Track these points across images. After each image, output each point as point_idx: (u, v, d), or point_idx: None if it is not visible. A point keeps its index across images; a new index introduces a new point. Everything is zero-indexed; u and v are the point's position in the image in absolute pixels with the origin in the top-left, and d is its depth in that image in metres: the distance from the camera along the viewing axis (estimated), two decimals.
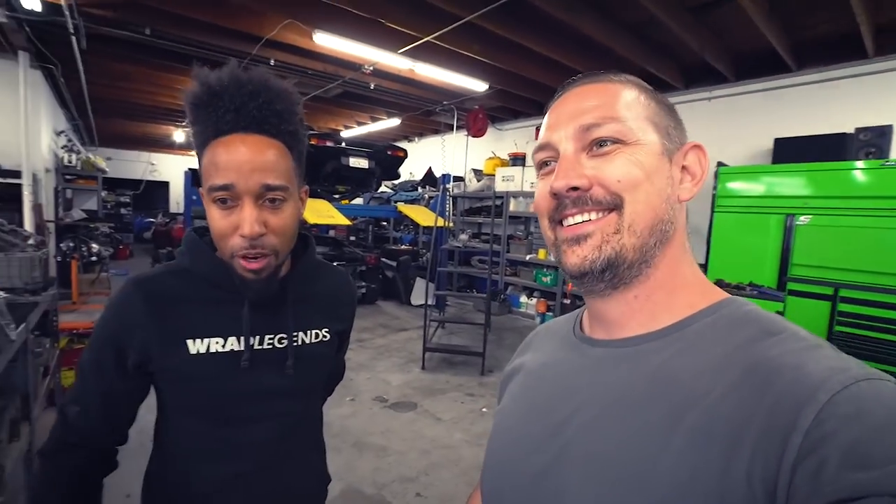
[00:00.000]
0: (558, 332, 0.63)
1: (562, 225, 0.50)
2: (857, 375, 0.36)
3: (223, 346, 0.75)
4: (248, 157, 0.68)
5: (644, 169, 0.47)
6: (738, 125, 4.96)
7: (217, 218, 0.69)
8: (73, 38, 4.33)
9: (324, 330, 0.86)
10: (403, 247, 8.08)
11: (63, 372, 2.83)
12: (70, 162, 7.01)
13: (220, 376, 0.75)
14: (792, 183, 4.00)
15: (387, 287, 6.94)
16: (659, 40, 4.34)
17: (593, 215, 0.47)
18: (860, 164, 3.65)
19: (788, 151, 4.27)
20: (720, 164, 4.49)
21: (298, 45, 4.59)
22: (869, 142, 3.91)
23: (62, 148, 7.01)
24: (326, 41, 4.10)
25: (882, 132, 3.86)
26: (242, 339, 0.76)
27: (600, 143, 0.47)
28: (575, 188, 0.47)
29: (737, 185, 4.30)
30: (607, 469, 0.43)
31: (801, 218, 3.91)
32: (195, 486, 0.77)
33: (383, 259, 6.99)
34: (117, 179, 12.85)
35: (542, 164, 0.53)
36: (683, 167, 0.51)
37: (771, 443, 0.35)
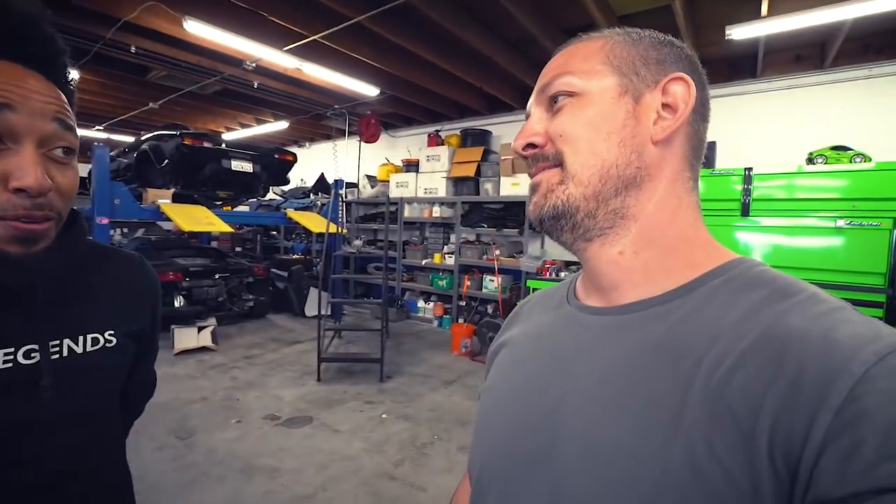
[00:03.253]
0: (550, 301, 0.59)
1: None
2: (891, 343, 0.32)
3: None
4: (37, 87, 0.51)
5: (588, 118, 0.45)
6: None
7: None
8: None
9: (107, 333, 0.65)
10: (295, 256, 7.68)
11: None
12: None
13: None
14: None
15: (278, 299, 6.51)
16: (537, 57, 4.73)
17: (545, 170, 0.48)
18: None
19: None
20: None
21: (166, 31, 4.11)
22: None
23: None
24: (200, 30, 3.74)
25: (710, 146, 4.62)
26: None
27: (554, 99, 0.48)
28: (532, 145, 0.48)
29: None
30: (611, 451, 0.39)
31: None
32: None
33: (273, 269, 6.56)
34: None
35: None
36: (665, 105, 0.46)
37: (795, 418, 0.31)
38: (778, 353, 0.34)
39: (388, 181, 6.73)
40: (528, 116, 0.52)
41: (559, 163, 0.46)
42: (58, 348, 0.60)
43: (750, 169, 3.61)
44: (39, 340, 0.58)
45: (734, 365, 0.36)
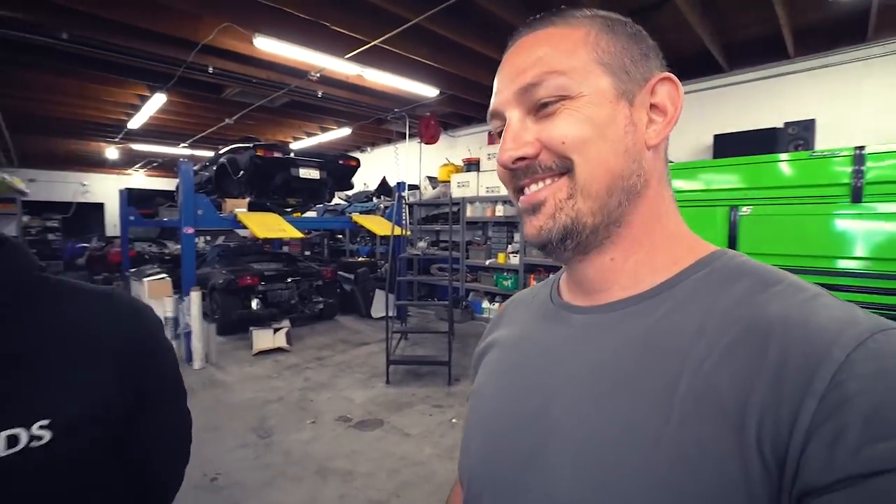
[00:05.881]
0: (533, 301, 0.58)
1: (523, 193, 0.46)
2: (870, 327, 0.32)
3: None
4: None
5: (592, 123, 0.42)
6: (679, 124, 5.16)
7: None
8: None
9: (37, 425, 0.45)
10: (361, 259, 7.88)
11: None
12: None
13: None
14: (733, 176, 4.20)
15: (345, 301, 6.70)
16: None
17: (547, 181, 0.44)
18: (788, 155, 3.88)
19: (727, 146, 4.50)
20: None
21: (239, 51, 4.35)
22: (797, 135, 4.18)
23: None
24: (268, 46, 3.91)
25: (807, 126, 4.13)
26: None
27: (543, 103, 0.43)
28: (522, 158, 0.44)
29: (683, 181, 4.48)
30: (602, 449, 0.38)
31: (744, 209, 4.11)
32: None
33: (340, 272, 6.76)
34: (44, 203, 11.87)
35: (497, 133, 0.48)
36: (653, 105, 0.45)
37: (781, 406, 0.31)
38: (762, 343, 0.34)
39: (450, 181, 6.70)
40: (493, 116, 0.48)
41: (565, 170, 0.43)
42: None
43: (861, 148, 3.16)
44: None
45: (720, 358, 0.36)
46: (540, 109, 0.43)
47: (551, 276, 0.59)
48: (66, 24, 3.90)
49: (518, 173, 0.45)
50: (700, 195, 4.35)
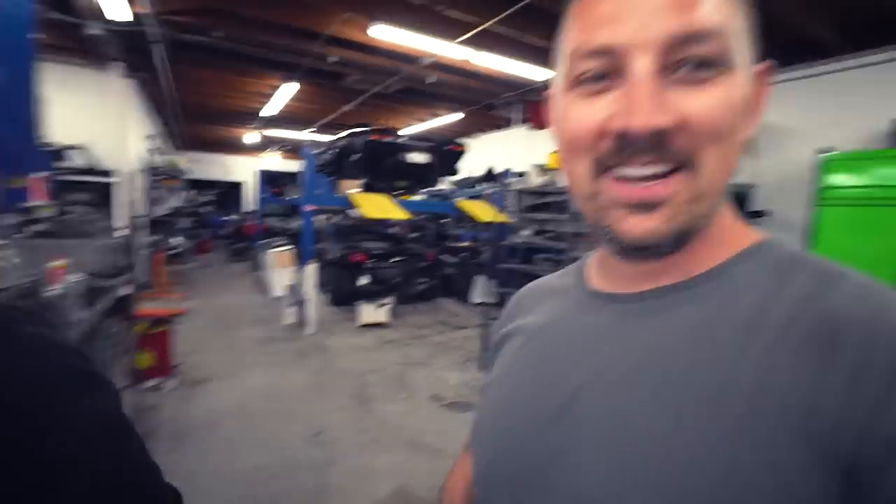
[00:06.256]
0: (557, 288, 0.53)
1: (610, 172, 0.36)
2: None
3: None
4: None
5: (737, 110, 0.34)
6: (846, 105, 4.31)
7: None
8: (160, 47, 4.66)
9: None
10: (464, 244, 7.98)
11: (139, 354, 3.02)
12: (157, 164, 7.61)
13: None
14: None
15: (447, 284, 6.86)
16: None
17: (663, 168, 0.34)
18: None
19: None
20: (823, 150, 3.93)
21: (357, 39, 4.60)
22: None
23: (151, 151, 7.64)
24: (383, 33, 4.06)
25: None
26: None
27: (701, 63, 0.33)
28: (660, 130, 0.33)
29: (848, 176, 3.73)
30: (640, 446, 0.34)
31: None
32: None
33: (444, 255, 6.91)
34: (199, 181, 13.94)
35: (589, 78, 0.36)
36: None
37: (858, 411, 0.28)
38: (830, 340, 0.31)
39: (559, 169, 6.43)
40: (595, 53, 0.35)
41: (684, 162, 0.34)
42: None
43: None
44: None
45: (783, 356, 0.32)
46: (678, 69, 0.33)
47: (575, 263, 0.53)
48: (219, 24, 4.47)
49: (633, 148, 0.34)
50: (871, 192, 3.61)
